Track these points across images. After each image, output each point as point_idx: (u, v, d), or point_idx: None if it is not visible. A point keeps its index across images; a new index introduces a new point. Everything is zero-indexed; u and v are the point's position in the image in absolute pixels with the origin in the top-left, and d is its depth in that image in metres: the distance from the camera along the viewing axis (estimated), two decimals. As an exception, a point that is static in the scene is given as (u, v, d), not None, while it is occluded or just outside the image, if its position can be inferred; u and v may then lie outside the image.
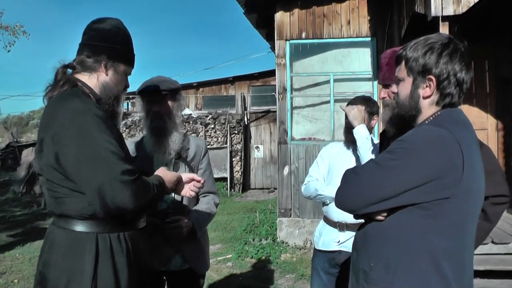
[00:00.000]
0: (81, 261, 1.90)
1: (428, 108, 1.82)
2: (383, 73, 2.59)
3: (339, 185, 1.89)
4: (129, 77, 2.30)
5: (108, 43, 2.12)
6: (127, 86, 2.29)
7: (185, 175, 2.35)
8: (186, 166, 2.92)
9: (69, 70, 2.11)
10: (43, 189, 2.03)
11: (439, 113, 1.80)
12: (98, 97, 2.09)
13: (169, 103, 2.85)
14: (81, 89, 2.05)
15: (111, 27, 2.15)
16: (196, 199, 3.00)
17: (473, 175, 1.68)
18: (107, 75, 2.13)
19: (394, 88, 1.96)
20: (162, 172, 2.17)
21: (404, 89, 1.87)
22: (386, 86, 2.57)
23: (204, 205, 3.00)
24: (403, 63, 1.86)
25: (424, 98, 1.81)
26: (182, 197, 2.83)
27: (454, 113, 1.79)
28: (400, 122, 2.06)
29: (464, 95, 1.84)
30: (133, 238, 2.09)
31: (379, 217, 1.78)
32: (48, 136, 1.90)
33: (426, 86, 1.80)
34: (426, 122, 1.80)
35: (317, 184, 3.46)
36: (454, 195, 1.63)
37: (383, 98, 2.57)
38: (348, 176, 1.85)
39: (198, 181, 2.39)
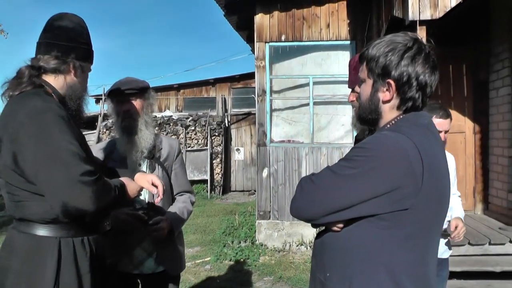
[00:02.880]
0: (42, 266, 1.84)
1: (389, 113, 1.73)
2: (350, 76, 2.57)
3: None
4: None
5: (76, 43, 2.07)
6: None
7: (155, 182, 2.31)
8: (159, 166, 2.92)
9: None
10: (2, 192, 1.95)
11: (401, 117, 1.71)
12: (61, 97, 2.03)
13: (138, 102, 2.86)
14: (44, 90, 1.99)
15: (75, 25, 2.10)
16: (171, 198, 3.01)
17: (435, 183, 1.60)
18: (75, 76, 2.09)
19: (357, 88, 1.87)
20: (126, 180, 2.13)
21: (365, 91, 1.78)
22: (354, 89, 2.55)
23: (181, 203, 3.01)
24: (365, 63, 1.76)
25: (384, 102, 1.72)
26: (153, 200, 2.84)
27: (417, 117, 1.70)
28: (364, 125, 1.97)
29: (440, 96, 1.76)
30: (98, 242, 2.04)
31: (335, 228, 1.69)
32: (6, 135, 1.84)
33: (386, 90, 1.70)
34: (387, 126, 1.71)
35: None
36: (413, 206, 1.55)
37: (352, 101, 2.55)
38: (304, 183, 1.74)
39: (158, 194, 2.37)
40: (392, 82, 1.67)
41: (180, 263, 3.02)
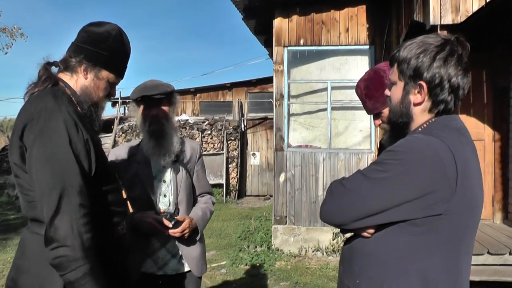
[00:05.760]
0: (50, 267, 1.79)
1: (420, 115, 1.69)
2: (366, 105, 2.47)
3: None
4: (124, 81, 2.21)
5: (93, 46, 2.01)
6: (111, 94, 2.17)
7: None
8: (182, 168, 2.95)
9: (54, 69, 2.03)
10: (17, 191, 1.94)
11: (433, 120, 1.67)
12: (79, 99, 2.00)
13: (166, 106, 2.87)
14: (62, 89, 1.96)
15: (103, 32, 2.04)
16: (193, 199, 3.07)
17: (469, 187, 1.55)
18: (86, 78, 2.03)
19: (387, 91, 1.82)
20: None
21: (396, 93, 1.74)
22: (377, 115, 2.44)
23: (203, 204, 3.09)
24: (396, 65, 1.72)
25: (415, 105, 1.68)
26: (177, 203, 2.90)
27: (449, 121, 1.65)
28: (395, 129, 1.90)
29: (461, 102, 1.72)
30: (112, 244, 2.00)
31: (365, 234, 1.65)
32: (16, 132, 1.84)
33: (418, 92, 1.66)
34: (419, 129, 1.67)
35: None
36: (447, 211, 1.51)
37: (379, 125, 2.45)
38: (335, 188, 1.70)
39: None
40: (424, 84, 1.64)
41: (203, 264, 3.04)
